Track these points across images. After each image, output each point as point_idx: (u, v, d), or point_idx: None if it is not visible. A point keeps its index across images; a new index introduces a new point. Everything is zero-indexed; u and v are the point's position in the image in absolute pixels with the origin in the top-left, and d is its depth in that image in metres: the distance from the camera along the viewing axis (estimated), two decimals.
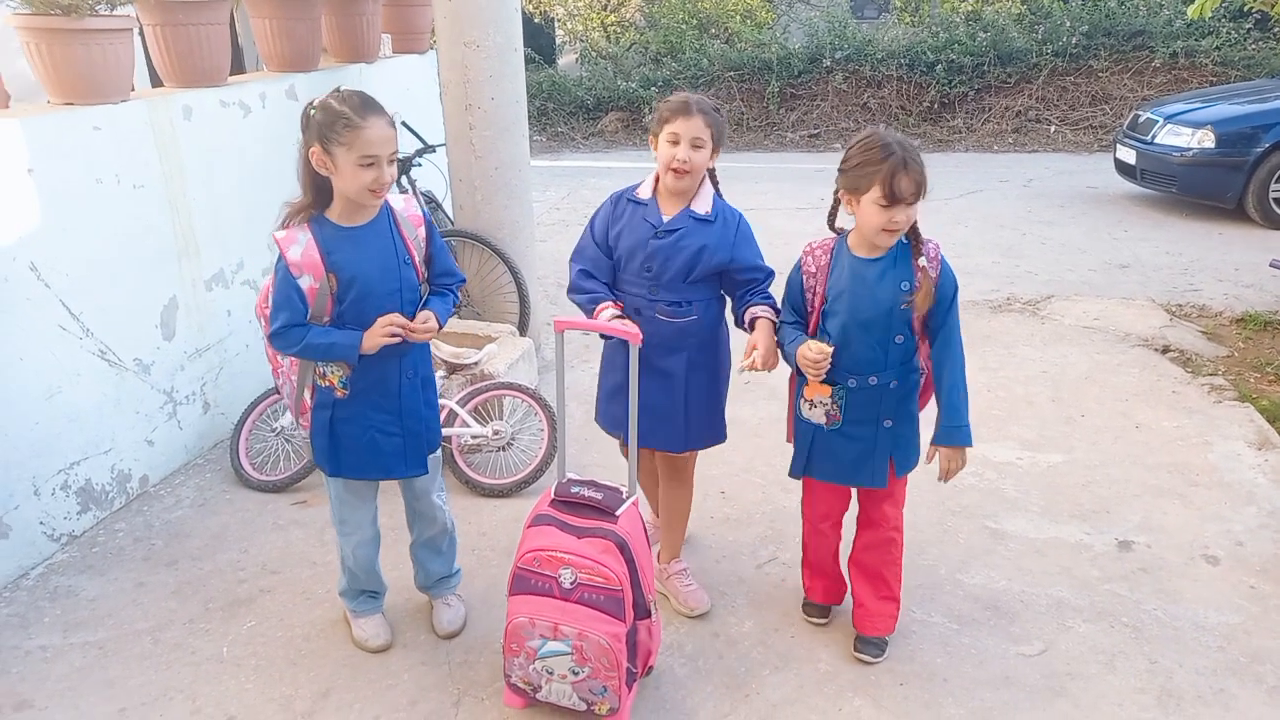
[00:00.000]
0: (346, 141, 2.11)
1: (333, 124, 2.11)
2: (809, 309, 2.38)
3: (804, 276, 2.37)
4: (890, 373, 2.31)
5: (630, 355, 2.24)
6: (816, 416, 2.39)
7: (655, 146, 2.45)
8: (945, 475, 2.37)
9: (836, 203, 2.33)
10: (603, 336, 2.52)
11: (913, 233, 2.28)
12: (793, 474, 2.51)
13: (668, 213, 2.44)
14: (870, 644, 2.53)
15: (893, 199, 2.12)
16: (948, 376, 2.32)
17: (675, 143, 2.37)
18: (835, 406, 2.35)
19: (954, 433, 2.32)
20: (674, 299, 2.44)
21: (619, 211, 2.51)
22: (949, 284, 2.29)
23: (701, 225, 2.43)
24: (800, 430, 2.45)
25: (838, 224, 2.40)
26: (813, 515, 2.59)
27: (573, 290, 2.52)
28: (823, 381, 2.31)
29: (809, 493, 2.57)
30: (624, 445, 2.67)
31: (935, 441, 2.36)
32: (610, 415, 2.63)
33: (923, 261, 2.26)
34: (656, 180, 2.49)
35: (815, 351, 2.24)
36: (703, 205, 2.45)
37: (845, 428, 2.36)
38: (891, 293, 2.25)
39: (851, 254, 2.30)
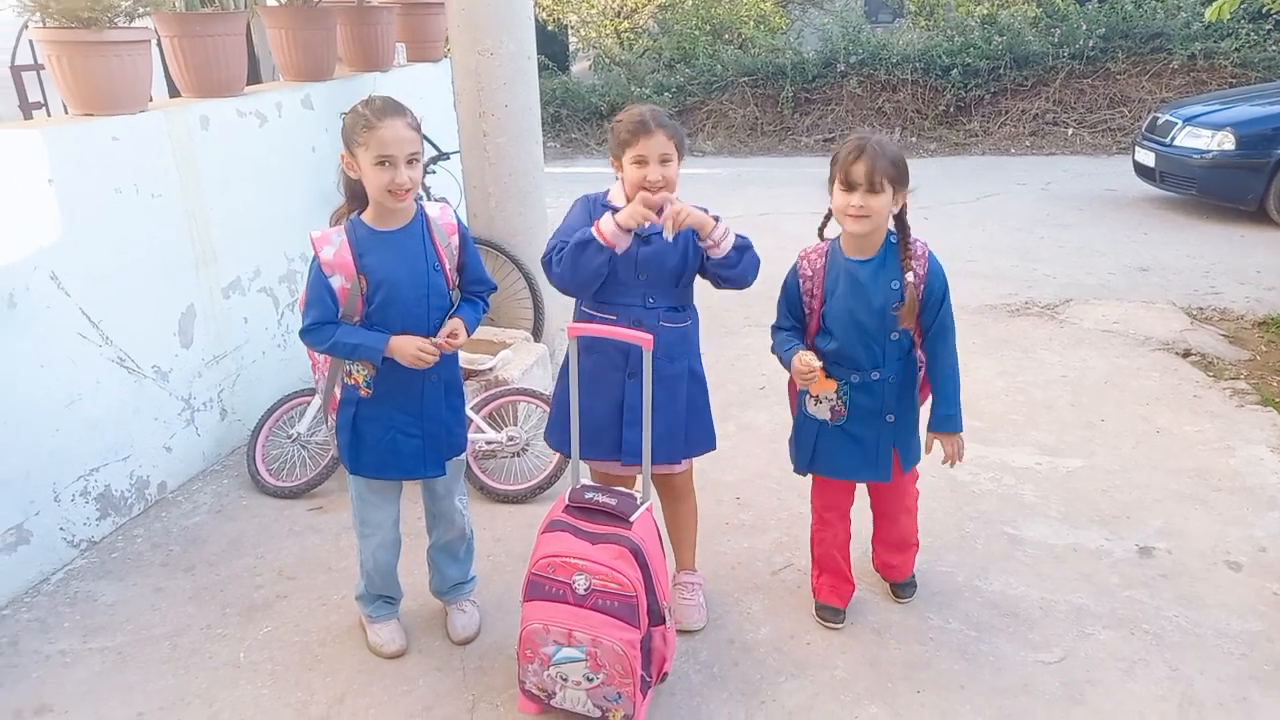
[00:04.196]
0: (364, 142, 2.19)
1: (354, 127, 2.20)
2: (807, 311, 2.45)
3: (800, 280, 2.45)
4: (890, 368, 2.41)
5: (644, 362, 2.24)
6: (821, 413, 2.47)
7: (619, 170, 2.36)
8: (951, 459, 2.50)
9: (830, 213, 2.44)
10: (594, 348, 2.43)
11: (901, 232, 2.37)
12: (797, 470, 2.60)
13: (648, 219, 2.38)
14: (906, 586, 2.76)
15: (847, 184, 2.27)
16: (942, 368, 2.44)
17: (642, 164, 2.29)
18: (840, 402, 2.44)
19: (947, 420, 2.46)
20: (670, 304, 2.41)
21: (596, 216, 2.37)
22: (937, 283, 2.39)
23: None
24: (805, 427, 2.54)
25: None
26: (819, 505, 2.64)
27: (554, 251, 2.35)
28: (827, 377, 2.40)
29: (816, 485, 2.63)
30: (602, 475, 2.59)
31: (931, 429, 2.50)
32: (601, 442, 2.43)
33: (910, 277, 2.33)
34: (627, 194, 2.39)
35: (803, 364, 2.34)
36: None
37: (849, 424, 2.45)
38: (883, 292, 2.35)
39: (844, 256, 2.39)
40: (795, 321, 2.48)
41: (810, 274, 2.42)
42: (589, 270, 2.32)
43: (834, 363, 2.40)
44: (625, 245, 2.32)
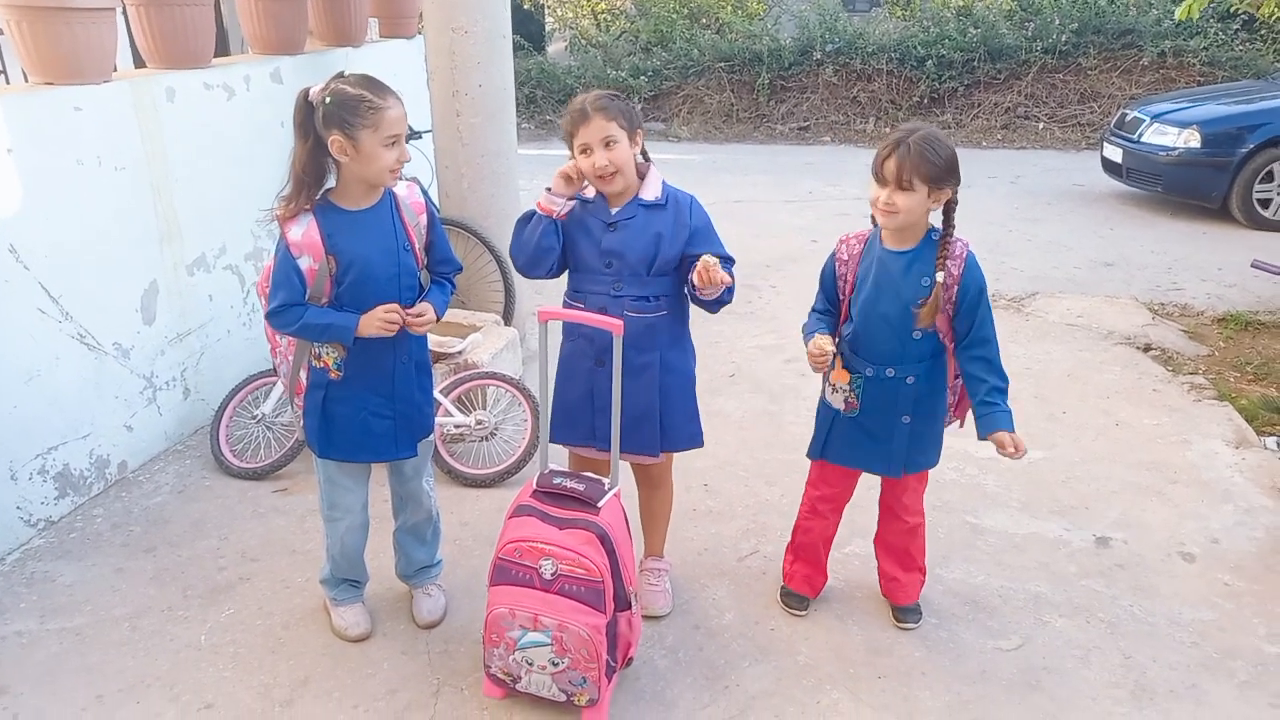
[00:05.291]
0: (373, 123, 2.14)
1: (355, 108, 2.13)
2: (840, 297, 2.44)
3: (836, 264, 2.43)
4: (908, 368, 2.34)
5: (614, 348, 2.24)
6: (837, 402, 2.46)
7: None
8: (1019, 452, 2.28)
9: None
10: (571, 335, 2.47)
11: (945, 228, 2.31)
12: (810, 455, 2.57)
13: (615, 205, 2.38)
14: (908, 611, 2.65)
15: (878, 178, 2.24)
16: (991, 376, 2.30)
17: (586, 152, 2.29)
18: (853, 394, 2.41)
19: (1004, 418, 2.28)
20: (639, 294, 2.38)
21: (570, 212, 2.40)
22: (972, 285, 2.28)
23: (653, 211, 2.36)
24: (822, 414, 2.52)
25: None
26: (815, 495, 2.62)
27: (515, 233, 2.43)
28: (844, 368, 2.40)
29: (817, 473, 2.60)
30: (582, 459, 2.60)
31: (1000, 428, 2.28)
32: (576, 428, 2.49)
33: (941, 276, 2.26)
34: None
35: (815, 347, 2.31)
36: (650, 192, 2.38)
37: (862, 417, 2.42)
38: (913, 287, 2.30)
39: (882, 245, 2.36)
40: (830, 305, 2.47)
41: (846, 259, 2.41)
42: (530, 243, 2.38)
43: (853, 352, 2.39)
44: (559, 209, 2.35)
